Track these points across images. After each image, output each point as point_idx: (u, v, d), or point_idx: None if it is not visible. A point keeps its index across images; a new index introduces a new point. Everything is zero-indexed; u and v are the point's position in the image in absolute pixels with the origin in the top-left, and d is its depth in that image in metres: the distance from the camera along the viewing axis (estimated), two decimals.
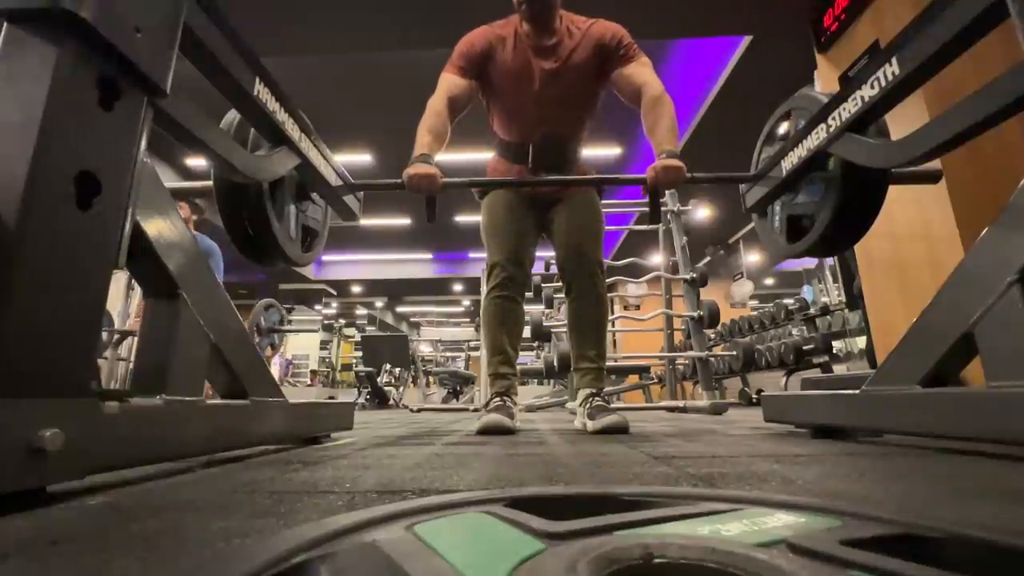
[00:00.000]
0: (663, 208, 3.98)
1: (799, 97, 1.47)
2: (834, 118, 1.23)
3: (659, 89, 1.55)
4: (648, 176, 1.44)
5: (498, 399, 1.62)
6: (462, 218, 7.89)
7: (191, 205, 3.78)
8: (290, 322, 5.49)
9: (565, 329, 4.19)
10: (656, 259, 4.58)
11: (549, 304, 4.88)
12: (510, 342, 1.70)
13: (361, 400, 6.46)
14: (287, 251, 1.26)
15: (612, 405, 1.68)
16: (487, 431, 1.46)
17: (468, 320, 16.71)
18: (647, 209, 1.54)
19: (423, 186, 1.42)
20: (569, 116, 1.66)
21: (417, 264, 11.13)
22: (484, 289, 1.74)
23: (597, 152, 5.97)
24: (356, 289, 12.54)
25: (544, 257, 5.66)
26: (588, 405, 1.61)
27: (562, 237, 1.71)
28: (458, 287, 12.43)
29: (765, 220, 1.59)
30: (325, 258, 10.84)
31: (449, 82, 1.61)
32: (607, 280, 1.83)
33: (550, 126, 1.63)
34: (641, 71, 1.59)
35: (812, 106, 1.34)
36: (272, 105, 1.09)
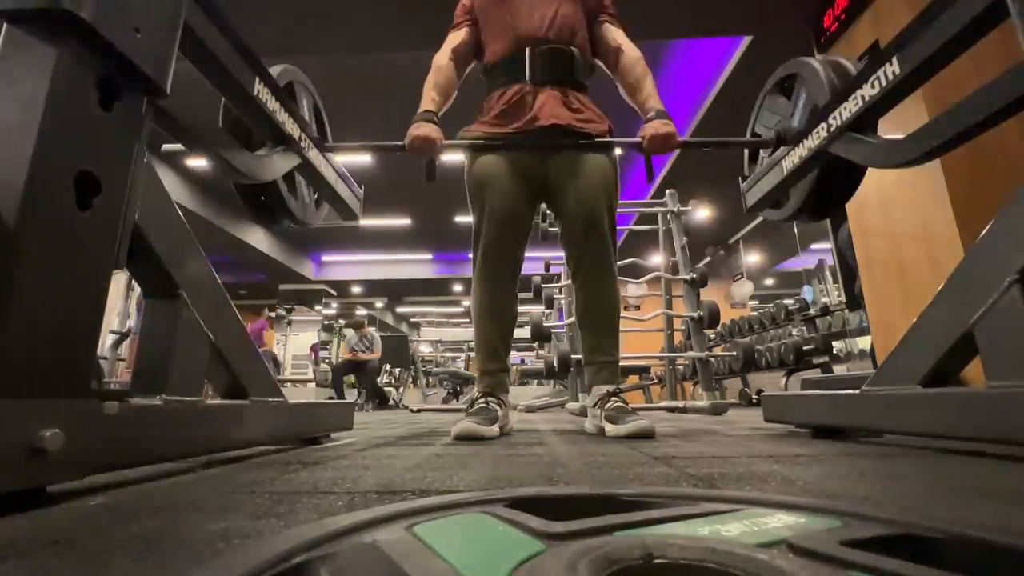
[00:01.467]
0: (663, 209, 3.99)
1: (794, 64, 1.45)
2: (835, 118, 1.23)
3: (638, 52, 1.56)
4: (643, 142, 1.41)
5: (482, 400, 1.45)
6: (462, 218, 7.91)
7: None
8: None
9: (565, 329, 4.22)
10: (656, 259, 4.59)
11: (549, 304, 4.88)
12: (499, 333, 1.51)
13: (360, 400, 6.46)
14: (295, 212, 1.35)
15: (629, 404, 1.45)
16: (460, 439, 1.27)
17: (468, 320, 16.71)
18: (646, 208, 1.56)
19: (425, 148, 1.41)
20: (568, 17, 1.54)
21: (417, 264, 11.13)
22: (473, 264, 1.54)
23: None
24: (356, 289, 12.54)
25: (544, 257, 5.66)
26: (606, 406, 1.39)
27: (569, 202, 1.48)
28: (458, 287, 12.43)
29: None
30: (325, 258, 10.85)
31: (451, 37, 1.62)
32: None
33: (543, 32, 1.51)
34: (620, 34, 1.60)
35: (807, 72, 1.35)
36: (272, 105, 1.09)
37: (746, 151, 1.75)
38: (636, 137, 1.44)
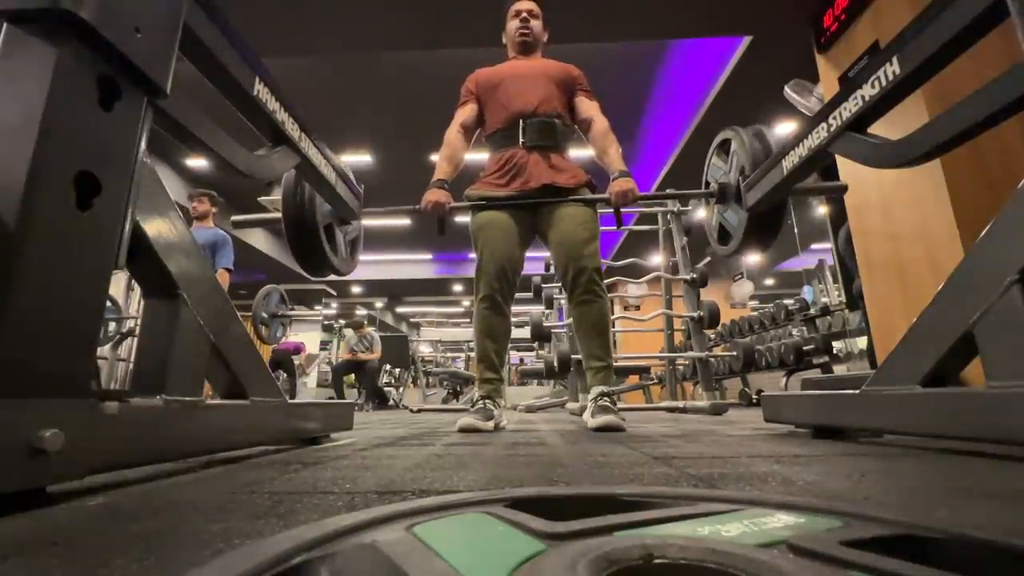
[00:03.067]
0: (663, 209, 3.99)
1: (728, 131, 1.83)
2: (835, 117, 1.23)
3: (606, 123, 1.92)
4: (611, 197, 1.77)
5: (481, 402, 1.78)
6: (461, 219, 7.84)
7: (210, 198, 3.93)
8: (291, 308, 5.48)
9: (565, 329, 4.21)
10: (656, 259, 4.59)
11: (549, 304, 4.88)
12: (495, 350, 1.87)
13: (360, 400, 6.46)
14: (336, 265, 1.69)
15: (616, 406, 1.76)
16: (463, 431, 1.63)
17: (468, 320, 16.71)
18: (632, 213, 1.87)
19: (437, 211, 1.80)
20: (551, 96, 1.91)
21: (417, 264, 11.12)
22: (475, 294, 1.91)
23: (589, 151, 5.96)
24: (356, 289, 12.54)
25: (543, 257, 5.66)
26: (595, 403, 1.73)
27: (559, 246, 1.82)
28: (458, 287, 12.42)
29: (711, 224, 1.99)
30: None
31: (458, 113, 1.98)
32: (607, 280, 1.98)
33: (534, 106, 1.88)
34: (592, 105, 1.96)
35: (736, 141, 1.74)
36: (272, 105, 1.09)
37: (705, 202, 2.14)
38: (605, 194, 1.81)
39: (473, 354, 2.02)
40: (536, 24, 2.01)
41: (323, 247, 1.56)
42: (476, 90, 1.99)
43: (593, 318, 1.80)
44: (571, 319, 2.94)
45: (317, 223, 1.53)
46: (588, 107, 1.94)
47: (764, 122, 1.78)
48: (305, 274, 1.73)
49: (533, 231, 1.92)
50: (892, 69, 1.06)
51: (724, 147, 1.75)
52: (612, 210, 1.82)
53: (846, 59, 2.94)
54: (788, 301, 6.04)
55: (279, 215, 1.54)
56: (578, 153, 2.60)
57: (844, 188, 1.81)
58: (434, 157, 6.20)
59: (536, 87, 1.90)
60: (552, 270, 5.23)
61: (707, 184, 1.88)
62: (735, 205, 1.65)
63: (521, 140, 1.86)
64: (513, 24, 2.00)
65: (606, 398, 1.74)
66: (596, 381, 1.80)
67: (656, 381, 5.89)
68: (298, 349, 7.30)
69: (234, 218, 1.82)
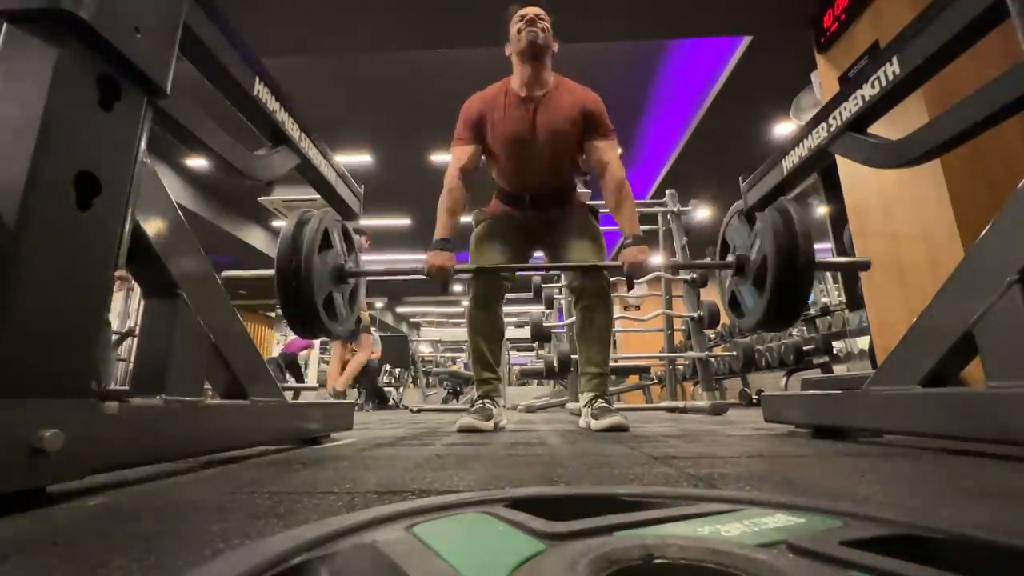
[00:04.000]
0: (663, 209, 3.99)
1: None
2: (835, 117, 1.23)
3: (623, 173, 1.75)
4: (623, 264, 1.64)
5: (480, 402, 1.79)
6: (462, 218, 7.83)
7: None
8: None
9: (565, 329, 4.21)
10: (656, 259, 4.58)
11: (549, 304, 4.88)
12: (489, 348, 1.86)
13: (360, 400, 6.46)
14: (336, 332, 1.60)
15: (613, 406, 1.78)
16: (463, 431, 1.63)
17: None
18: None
19: (441, 275, 1.68)
20: (557, 164, 1.80)
21: (417, 264, 11.08)
22: (468, 300, 1.90)
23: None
24: None
25: (542, 257, 5.65)
26: (592, 405, 1.73)
27: (569, 257, 1.81)
28: (458, 287, 12.41)
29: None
30: None
31: (457, 154, 1.81)
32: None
33: (541, 174, 1.80)
34: (609, 150, 1.77)
35: (763, 222, 1.50)
36: (272, 105, 1.09)
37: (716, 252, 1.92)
38: (617, 262, 1.68)
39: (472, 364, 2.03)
40: (546, 26, 1.75)
41: (321, 319, 1.48)
42: (476, 130, 1.80)
43: (597, 325, 1.80)
44: (572, 319, 2.98)
45: (315, 300, 1.42)
46: (604, 151, 1.76)
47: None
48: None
49: (532, 251, 1.96)
50: (892, 69, 1.06)
51: (749, 218, 1.59)
52: (622, 272, 1.68)
53: (846, 59, 2.94)
54: None
55: (272, 273, 1.44)
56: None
57: (867, 265, 1.61)
58: (434, 157, 6.22)
59: (543, 159, 1.76)
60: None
61: (723, 243, 1.73)
62: (752, 287, 1.52)
63: (528, 203, 1.86)
64: (517, 27, 1.75)
65: (601, 399, 1.75)
66: (590, 388, 1.79)
67: (656, 381, 5.88)
68: (308, 346, 7.24)
69: (225, 274, 1.68)
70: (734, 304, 1.69)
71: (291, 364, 6.56)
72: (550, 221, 1.89)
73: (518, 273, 1.99)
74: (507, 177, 1.86)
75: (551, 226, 1.89)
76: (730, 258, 1.62)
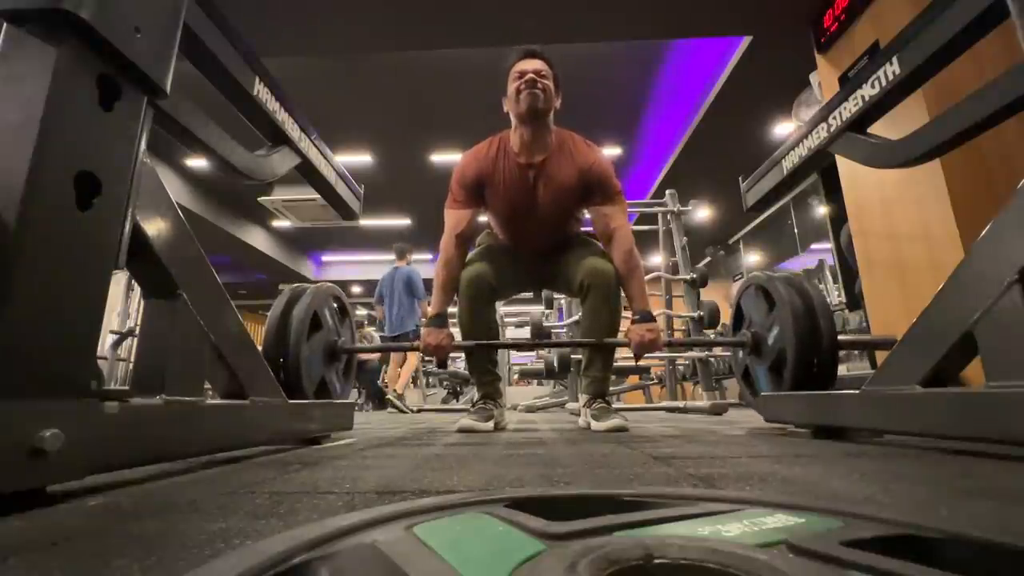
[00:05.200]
0: (663, 209, 3.99)
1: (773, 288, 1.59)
2: (835, 117, 1.23)
3: (631, 241, 1.69)
4: (631, 342, 1.59)
5: (480, 402, 1.77)
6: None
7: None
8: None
9: (565, 330, 4.21)
10: (656, 259, 4.59)
11: (549, 304, 4.88)
12: (486, 349, 1.82)
13: (360, 400, 6.45)
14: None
15: (612, 406, 1.77)
16: (462, 431, 1.61)
17: None
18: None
19: (438, 353, 1.67)
20: (557, 224, 1.78)
21: (417, 265, 11.09)
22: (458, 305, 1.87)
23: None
24: (356, 289, 12.53)
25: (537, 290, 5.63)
26: (592, 406, 1.72)
27: (579, 268, 1.72)
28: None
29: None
30: (325, 258, 10.85)
31: (453, 219, 1.74)
32: None
33: (541, 234, 1.79)
34: (616, 215, 1.69)
35: (783, 309, 1.43)
36: (272, 105, 1.09)
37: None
38: (624, 339, 1.66)
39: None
40: (548, 84, 1.61)
41: (327, 385, 1.50)
42: (470, 195, 1.72)
43: (601, 326, 1.70)
44: (573, 319, 2.98)
45: (306, 391, 1.42)
46: (610, 218, 1.68)
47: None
48: (313, 269, 1.65)
49: (527, 286, 1.96)
50: (892, 69, 1.06)
51: (766, 296, 1.52)
52: (629, 347, 1.63)
53: (846, 59, 2.94)
54: None
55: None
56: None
57: (891, 343, 1.48)
58: (435, 157, 6.21)
59: (543, 223, 1.72)
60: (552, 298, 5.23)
61: (738, 310, 1.68)
62: (768, 372, 1.47)
63: (529, 254, 1.86)
64: (516, 87, 1.60)
65: (601, 400, 1.73)
66: (590, 390, 1.77)
67: (656, 381, 5.88)
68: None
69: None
70: (747, 378, 1.63)
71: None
72: (550, 262, 1.86)
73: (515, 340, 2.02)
74: (506, 234, 1.85)
75: (550, 264, 1.86)
76: (745, 333, 1.58)
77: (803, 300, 1.34)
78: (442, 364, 1.81)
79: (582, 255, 1.76)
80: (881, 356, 2.43)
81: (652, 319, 1.62)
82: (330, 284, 1.58)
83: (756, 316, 1.56)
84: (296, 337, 1.39)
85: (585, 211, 1.81)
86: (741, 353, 1.64)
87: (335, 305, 1.63)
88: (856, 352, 4.63)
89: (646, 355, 1.61)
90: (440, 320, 1.69)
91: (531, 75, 1.58)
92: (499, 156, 1.68)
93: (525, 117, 1.61)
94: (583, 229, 1.95)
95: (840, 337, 1.32)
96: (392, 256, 5.24)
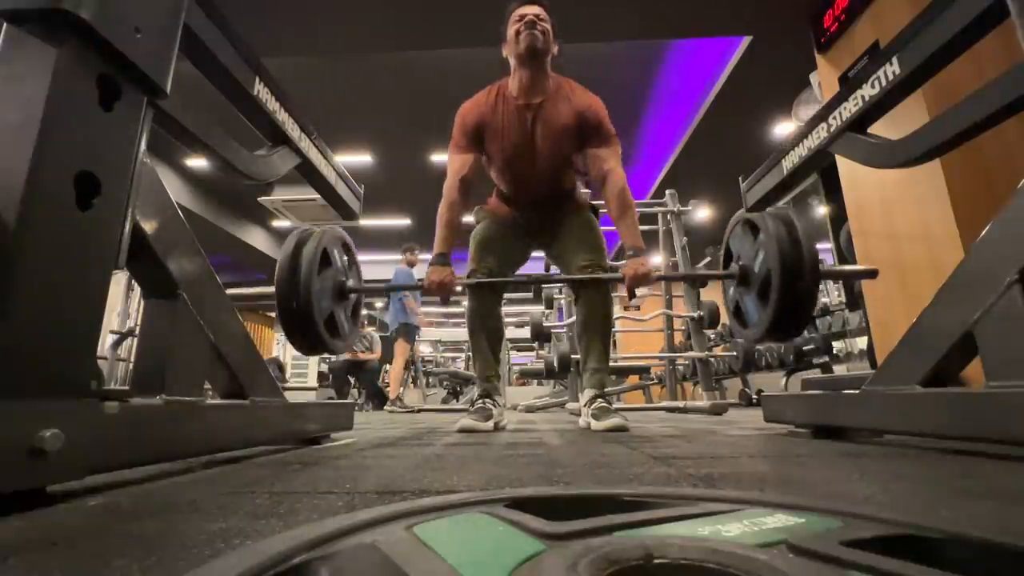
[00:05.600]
0: (663, 209, 4.00)
1: (758, 219, 1.61)
2: (835, 117, 1.23)
3: (624, 181, 1.70)
4: (625, 276, 1.62)
5: (480, 401, 1.79)
6: (463, 218, 7.82)
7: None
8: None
9: (565, 329, 4.21)
10: (656, 259, 4.59)
11: (549, 304, 4.88)
12: (490, 347, 1.86)
13: (360, 400, 6.46)
14: (338, 349, 1.60)
15: (613, 406, 1.77)
16: (462, 431, 1.63)
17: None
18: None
19: (442, 291, 1.68)
20: (557, 170, 1.78)
21: (417, 265, 11.10)
22: (468, 300, 1.92)
23: None
24: None
25: (542, 258, 5.66)
26: (592, 406, 1.72)
27: (570, 257, 1.81)
28: (458, 287, 12.40)
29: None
30: None
31: (456, 163, 1.76)
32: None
33: (541, 180, 1.79)
34: (610, 158, 1.72)
35: (766, 235, 1.46)
36: (272, 105, 1.09)
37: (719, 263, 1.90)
38: (618, 273, 1.69)
39: (472, 363, 2.01)
40: (546, 27, 1.67)
41: (324, 339, 1.50)
42: (474, 137, 1.75)
43: (597, 320, 1.79)
44: (572, 319, 2.98)
45: (316, 321, 1.43)
46: (604, 159, 1.71)
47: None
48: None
49: (531, 249, 1.95)
50: (892, 69, 1.06)
51: (752, 228, 1.57)
52: (623, 283, 1.66)
53: (846, 59, 2.94)
54: None
55: (272, 290, 1.43)
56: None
57: (874, 273, 1.58)
58: (434, 157, 6.22)
59: (542, 166, 1.74)
60: (552, 271, 5.23)
61: (727, 251, 1.71)
62: (757, 299, 1.50)
63: (529, 205, 1.87)
64: (515, 28, 1.66)
65: (602, 399, 1.74)
66: (590, 384, 1.79)
67: (656, 381, 5.88)
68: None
69: (229, 291, 1.70)
70: (738, 314, 1.68)
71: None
72: (550, 221, 1.89)
73: (517, 277, 2.02)
74: (506, 183, 1.85)
75: (551, 226, 1.89)
76: (733, 267, 1.62)
77: (788, 229, 1.39)
78: (444, 301, 1.79)
79: (580, 244, 1.80)
80: (881, 356, 2.43)
81: (644, 255, 1.66)
82: (337, 228, 1.57)
83: (744, 251, 1.61)
84: (307, 270, 1.40)
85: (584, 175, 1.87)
86: (732, 290, 1.69)
87: (343, 247, 1.64)
88: (856, 353, 4.64)
89: (638, 288, 1.65)
90: (443, 259, 1.70)
91: (531, 17, 1.64)
92: (498, 101, 1.72)
93: (524, 57, 1.65)
94: (582, 192, 1.99)
95: (823, 268, 1.36)
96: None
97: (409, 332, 5.11)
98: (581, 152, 1.77)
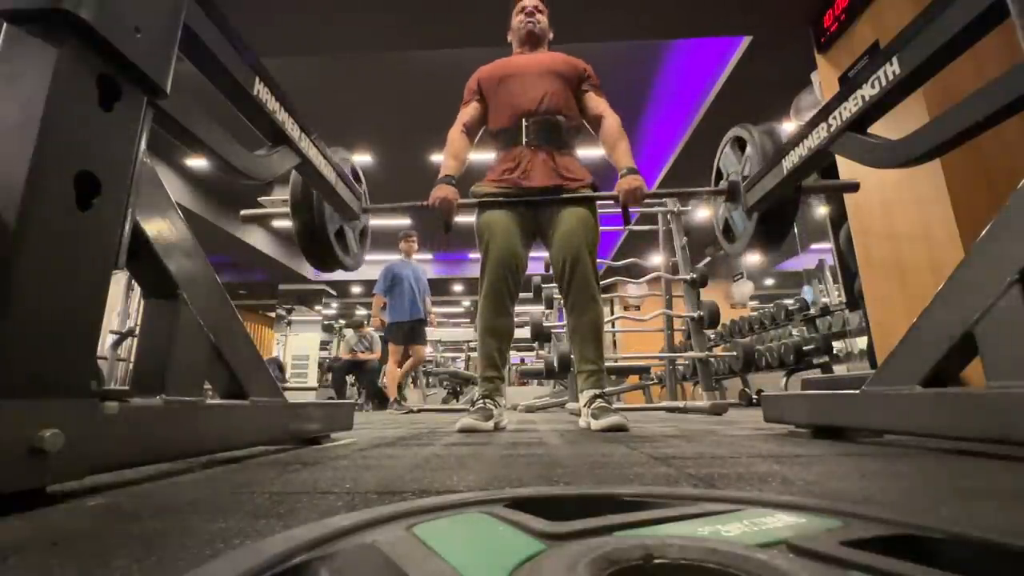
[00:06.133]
0: (663, 209, 3.99)
1: (741, 129, 1.77)
2: (835, 117, 1.23)
3: (617, 121, 1.90)
4: (619, 193, 1.75)
5: (481, 401, 1.80)
6: (461, 219, 7.82)
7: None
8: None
9: (565, 329, 4.21)
10: (656, 259, 4.59)
11: (549, 304, 4.88)
12: (498, 348, 1.87)
13: (360, 400, 6.45)
14: (349, 264, 1.75)
15: (612, 405, 1.77)
16: (463, 431, 1.64)
17: (468, 320, 16.71)
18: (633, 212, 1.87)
19: (444, 206, 1.77)
20: (555, 93, 1.89)
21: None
22: (479, 291, 1.90)
23: (593, 152, 5.96)
24: (356, 289, 12.54)
25: (543, 257, 5.65)
26: (592, 406, 1.72)
27: (558, 242, 1.83)
28: (458, 288, 12.41)
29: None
30: None
31: (462, 112, 1.99)
32: (607, 280, 1.96)
33: (537, 103, 1.87)
34: (601, 102, 1.95)
35: (749, 139, 1.65)
36: (272, 105, 1.09)
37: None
38: (612, 192, 1.79)
39: (475, 354, 2.04)
40: (542, 18, 2.04)
41: (335, 251, 1.61)
42: (479, 88, 1.99)
43: (587, 323, 1.81)
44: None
45: (328, 231, 1.54)
46: (597, 103, 1.93)
47: (764, 123, 1.75)
48: (312, 269, 1.75)
49: (535, 231, 1.93)
50: (892, 69, 1.06)
51: (740, 144, 1.69)
52: (619, 209, 1.80)
53: (846, 59, 2.94)
54: (788, 301, 6.04)
55: (287, 209, 1.55)
56: (588, 152, 2.57)
57: (855, 186, 1.68)
58: (435, 157, 6.22)
59: (539, 84, 1.89)
60: (552, 270, 5.23)
61: (718, 173, 1.81)
62: (743, 212, 1.61)
63: (524, 139, 1.86)
64: (518, 18, 2.04)
65: (601, 399, 1.75)
66: (588, 385, 1.80)
67: (656, 381, 5.89)
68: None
69: (243, 212, 1.85)
70: (727, 231, 1.75)
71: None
72: (548, 209, 1.86)
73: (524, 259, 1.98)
74: (503, 110, 1.91)
75: (548, 215, 1.87)
76: (723, 184, 1.71)
77: (771, 139, 1.49)
78: (448, 225, 1.85)
79: (573, 218, 1.82)
80: (881, 356, 2.43)
81: (637, 173, 1.77)
82: (344, 151, 1.66)
83: (732, 167, 1.70)
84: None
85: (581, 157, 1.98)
86: (721, 208, 1.77)
87: (350, 169, 1.69)
88: (856, 353, 4.64)
89: (631, 207, 1.75)
90: (448, 179, 1.82)
91: (530, 8, 2.03)
92: (503, 61, 2.02)
93: (524, 40, 2.03)
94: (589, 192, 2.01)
95: (805, 184, 1.45)
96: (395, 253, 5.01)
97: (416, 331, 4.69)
98: (573, 97, 1.93)
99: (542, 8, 2.05)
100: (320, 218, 1.53)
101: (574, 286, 1.79)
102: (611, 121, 1.89)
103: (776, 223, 1.53)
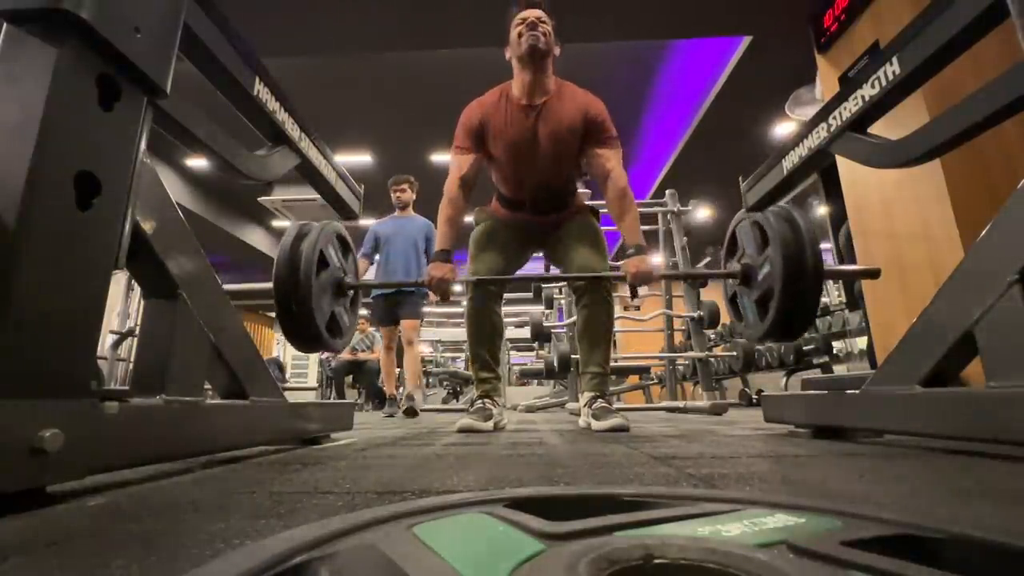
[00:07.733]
0: (663, 209, 4.00)
1: (762, 218, 1.56)
2: (835, 117, 1.23)
3: (625, 181, 1.74)
4: (626, 275, 1.64)
5: (480, 401, 1.79)
6: (467, 217, 7.80)
7: (410, 184, 3.78)
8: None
9: (565, 329, 4.22)
10: (656, 259, 4.59)
11: (549, 304, 4.88)
12: (488, 348, 1.85)
13: (360, 400, 6.45)
14: (338, 347, 1.64)
15: (613, 405, 1.77)
16: (462, 431, 1.63)
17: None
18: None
19: (443, 287, 1.71)
20: (558, 170, 1.79)
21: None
22: (466, 299, 1.91)
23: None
24: None
25: (542, 258, 5.64)
26: (592, 406, 1.72)
27: (571, 260, 1.82)
28: (458, 287, 12.39)
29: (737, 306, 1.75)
30: None
31: (457, 162, 1.79)
32: None
33: (542, 181, 1.80)
34: (612, 158, 1.76)
35: (772, 234, 1.43)
36: (272, 105, 1.09)
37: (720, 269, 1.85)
38: (620, 272, 1.69)
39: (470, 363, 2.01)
40: (547, 29, 1.71)
41: (324, 340, 1.50)
42: (477, 138, 1.78)
43: (598, 324, 1.79)
44: (572, 319, 2.99)
45: (317, 324, 1.43)
46: (605, 160, 1.74)
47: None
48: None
49: (531, 251, 1.95)
50: (892, 69, 1.06)
51: (757, 228, 1.53)
52: (625, 281, 1.67)
53: (846, 59, 2.93)
54: None
55: (270, 287, 1.42)
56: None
57: (876, 272, 1.54)
58: (434, 157, 6.22)
59: (544, 165, 1.75)
60: (552, 270, 5.23)
61: (729, 247, 1.67)
62: (759, 298, 1.47)
63: (528, 206, 1.85)
64: (518, 31, 1.70)
65: (601, 399, 1.74)
66: (590, 387, 1.79)
67: (656, 381, 5.88)
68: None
69: (226, 287, 1.69)
70: (734, 305, 1.66)
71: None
72: (550, 224, 1.89)
73: (517, 277, 2.02)
74: (507, 183, 1.85)
75: (551, 228, 1.90)
76: (734, 265, 1.60)
77: (792, 229, 1.36)
78: (444, 297, 1.78)
79: (580, 246, 1.81)
80: (881, 356, 2.43)
81: (645, 252, 1.67)
82: (333, 222, 1.57)
83: (749, 249, 1.58)
84: (305, 275, 1.41)
85: (584, 177, 1.93)
86: (730, 288, 1.69)
87: (339, 243, 1.63)
88: (856, 353, 4.64)
89: (639, 286, 1.65)
90: (444, 255, 1.73)
91: (532, 19, 1.68)
92: (501, 101, 1.75)
93: (526, 58, 1.68)
94: (581, 192, 2.00)
95: (826, 268, 1.35)
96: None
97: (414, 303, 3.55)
98: (582, 152, 1.78)
99: (546, 20, 1.72)
100: (308, 311, 1.40)
101: (590, 292, 1.79)
102: (618, 183, 1.72)
103: (796, 315, 1.36)
